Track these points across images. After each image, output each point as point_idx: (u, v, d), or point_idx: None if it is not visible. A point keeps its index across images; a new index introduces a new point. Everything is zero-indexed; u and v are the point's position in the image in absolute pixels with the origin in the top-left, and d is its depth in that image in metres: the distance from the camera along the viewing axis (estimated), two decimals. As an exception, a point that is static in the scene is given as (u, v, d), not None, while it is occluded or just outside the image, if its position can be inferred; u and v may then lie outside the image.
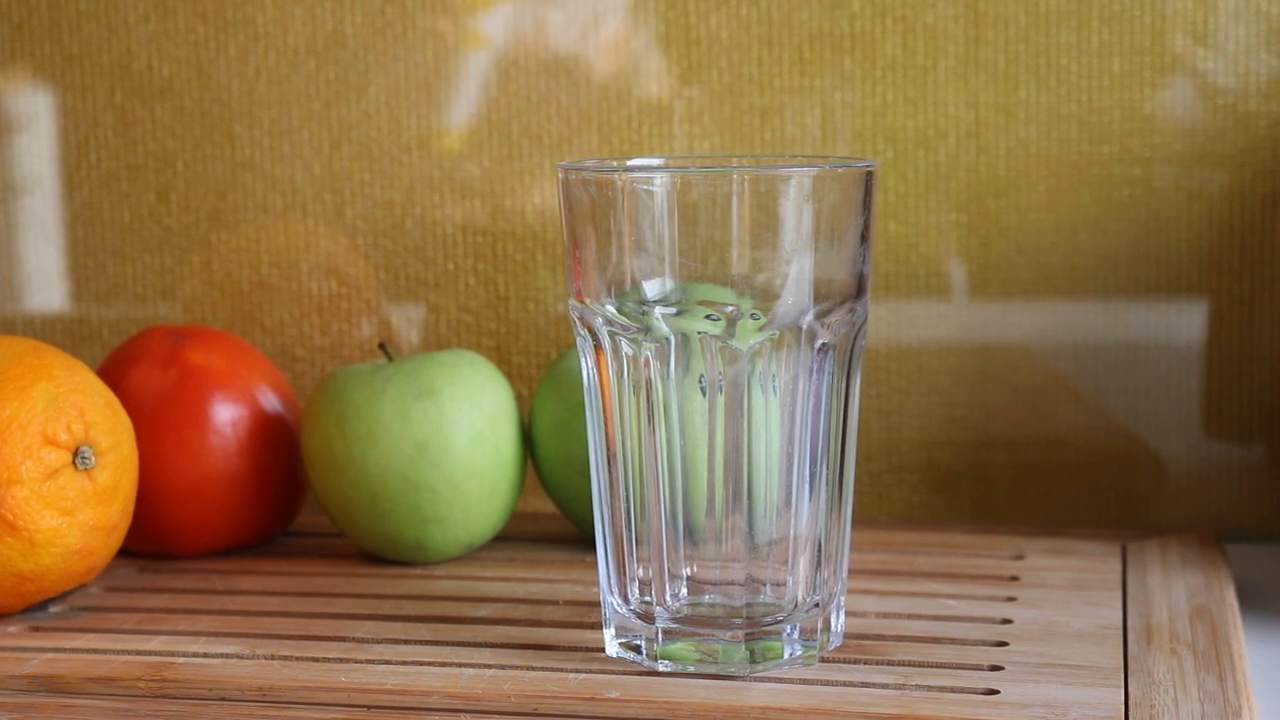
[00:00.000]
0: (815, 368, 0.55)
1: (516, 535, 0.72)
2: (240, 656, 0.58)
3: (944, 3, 0.76)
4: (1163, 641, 0.58)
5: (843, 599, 0.57)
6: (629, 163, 0.61)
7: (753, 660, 0.55)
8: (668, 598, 0.56)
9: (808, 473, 0.55)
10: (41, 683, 0.56)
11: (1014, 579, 0.65)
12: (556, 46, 0.79)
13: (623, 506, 0.56)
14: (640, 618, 0.56)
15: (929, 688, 0.54)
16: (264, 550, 0.72)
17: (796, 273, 0.54)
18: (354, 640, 0.59)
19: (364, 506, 0.67)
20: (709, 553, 0.56)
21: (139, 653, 0.58)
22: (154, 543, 0.70)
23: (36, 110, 0.83)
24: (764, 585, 0.56)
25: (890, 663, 0.56)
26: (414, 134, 0.80)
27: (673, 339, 0.54)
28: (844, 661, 0.56)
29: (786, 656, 0.56)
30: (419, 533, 0.67)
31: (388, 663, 0.57)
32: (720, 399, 0.54)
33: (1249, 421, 0.76)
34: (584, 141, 0.79)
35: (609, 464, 0.57)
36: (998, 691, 0.53)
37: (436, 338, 0.81)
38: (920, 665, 0.56)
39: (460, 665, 0.56)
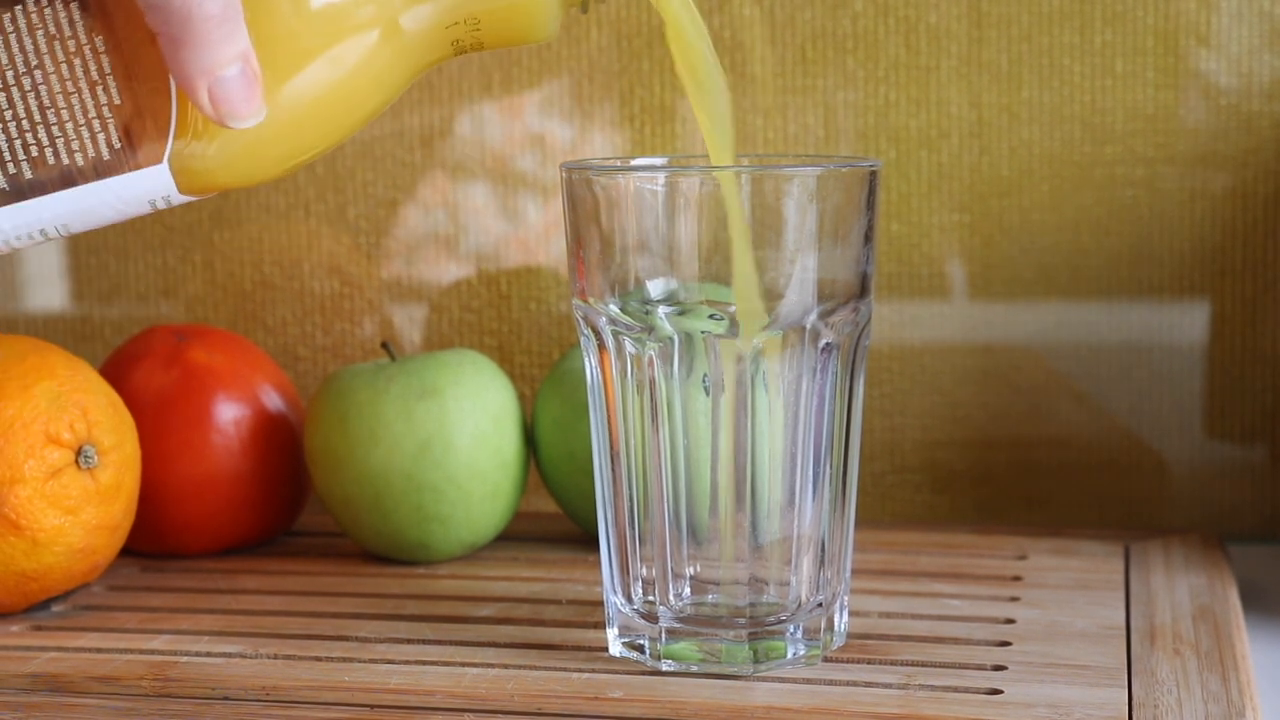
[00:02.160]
0: (819, 367, 0.55)
1: (519, 535, 0.72)
2: (243, 656, 0.58)
3: (947, 3, 0.76)
4: (1166, 642, 0.58)
5: (846, 599, 0.57)
6: (632, 162, 0.61)
7: (756, 660, 0.55)
8: (671, 597, 0.56)
9: (811, 472, 0.55)
10: (44, 682, 0.56)
11: (1017, 579, 0.65)
12: (559, 46, 0.78)
13: (626, 506, 0.56)
14: (643, 617, 0.56)
15: (932, 687, 0.54)
16: (267, 550, 0.72)
17: (800, 272, 0.54)
18: (357, 640, 0.59)
19: (367, 506, 0.67)
20: (712, 552, 0.56)
21: (142, 652, 0.58)
22: (157, 542, 0.70)
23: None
24: (767, 585, 0.56)
25: (893, 662, 0.56)
26: (416, 133, 0.80)
27: (676, 338, 0.54)
28: (847, 661, 0.56)
29: (790, 656, 0.56)
30: (422, 532, 0.67)
31: (391, 662, 0.57)
32: (724, 398, 0.54)
33: (1252, 422, 0.76)
34: (587, 141, 0.79)
35: (612, 463, 0.57)
36: (1001, 691, 0.53)
37: (439, 337, 0.81)
38: (923, 665, 0.56)
39: (463, 665, 0.56)
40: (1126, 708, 0.52)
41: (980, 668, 0.55)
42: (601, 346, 0.56)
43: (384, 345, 0.71)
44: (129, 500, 0.64)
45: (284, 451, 0.71)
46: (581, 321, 0.57)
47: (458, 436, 0.67)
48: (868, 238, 0.55)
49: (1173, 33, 0.75)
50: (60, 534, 0.62)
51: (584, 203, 0.55)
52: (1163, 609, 0.61)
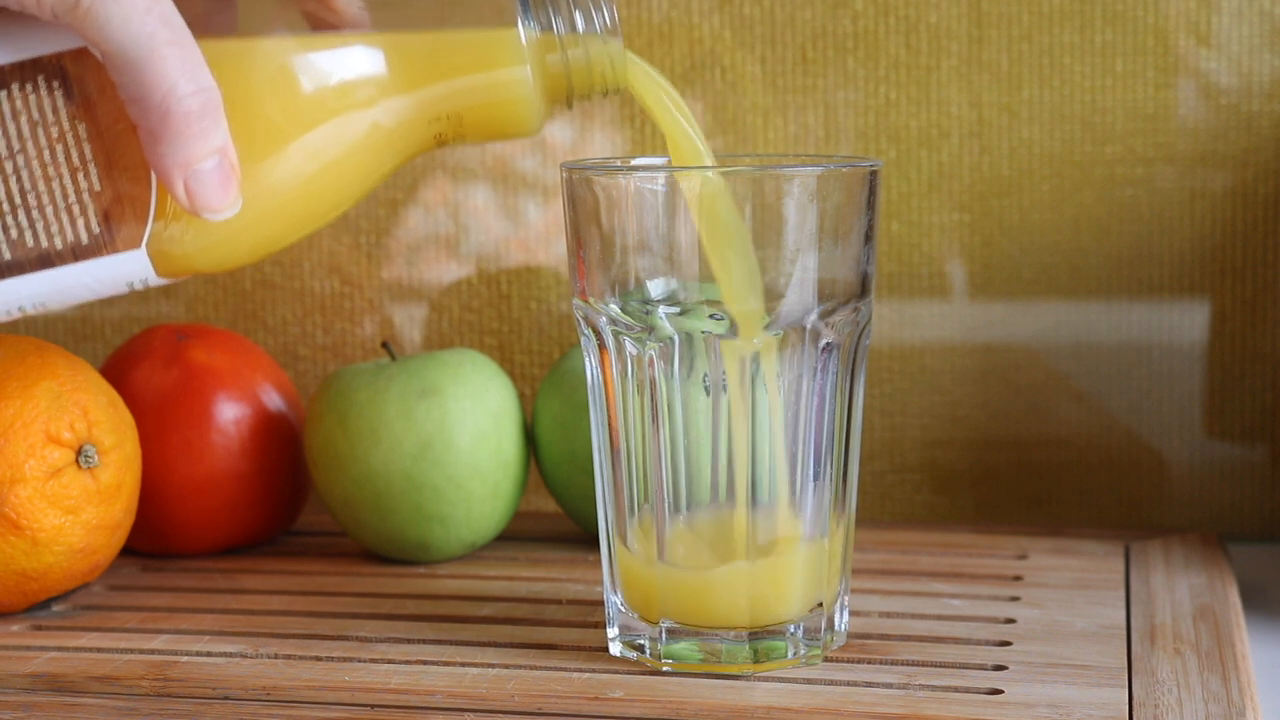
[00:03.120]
0: (819, 367, 0.55)
1: (519, 534, 0.72)
2: (243, 655, 0.58)
3: (947, 2, 0.76)
4: (1166, 641, 0.58)
5: (846, 598, 0.57)
6: (633, 162, 0.61)
7: (756, 660, 0.55)
8: (671, 597, 0.56)
9: (811, 472, 0.55)
10: (44, 681, 0.56)
11: (1017, 579, 0.65)
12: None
13: (626, 505, 0.56)
14: (643, 617, 0.56)
15: (933, 687, 0.54)
16: (267, 549, 0.72)
17: (800, 272, 0.54)
18: (357, 639, 0.59)
19: (367, 505, 0.67)
20: (713, 552, 0.56)
21: (142, 651, 0.59)
22: (157, 541, 0.70)
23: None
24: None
25: (894, 662, 0.56)
26: (417, 133, 0.80)
27: (676, 338, 0.54)
28: (848, 661, 0.56)
29: (790, 656, 0.56)
30: (422, 532, 0.67)
31: (391, 662, 0.57)
32: (724, 398, 0.54)
33: (1252, 421, 0.76)
34: (587, 141, 0.79)
35: (612, 463, 0.57)
36: (1001, 691, 0.53)
37: (439, 337, 0.81)
38: (924, 665, 0.56)
39: (464, 665, 0.56)
40: (1127, 707, 0.52)
41: (980, 667, 0.55)
42: (602, 346, 0.56)
43: (384, 345, 0.71)
44: (129, 500, 0.64)
45: (284, 451, 0.71)
46: (582, 321, 0.57)
47: (458, 436, 0.67)
48: (868, 238, 0.55)
49: (1173, 32, 0.75)
50: (60, 534, 0.62)
51: (584, 203, 0.55)
52: (1163, 609, 0.61)
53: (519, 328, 0.80)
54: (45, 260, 0.51)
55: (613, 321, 0.55)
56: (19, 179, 0.50)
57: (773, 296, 0.54)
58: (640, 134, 0.78)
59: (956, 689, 0.54)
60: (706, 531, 0.55)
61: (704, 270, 0.53)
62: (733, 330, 0.54)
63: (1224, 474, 0.77)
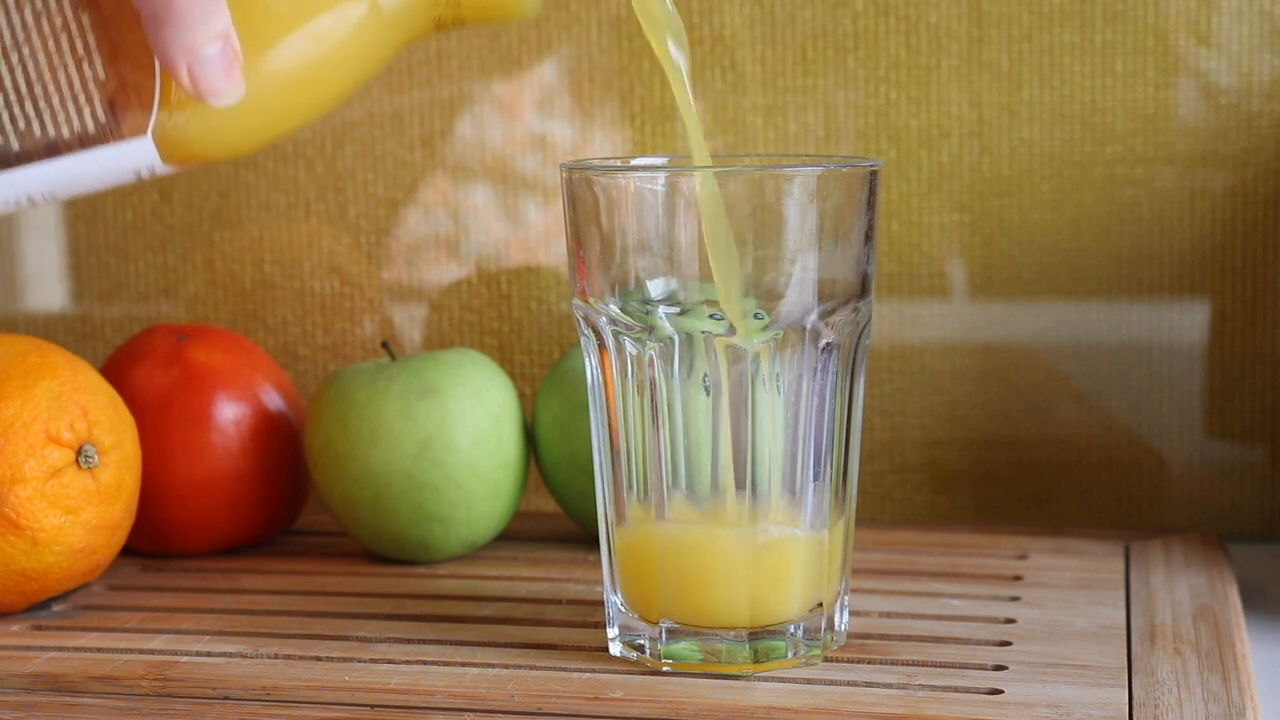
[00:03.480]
0: (819, 367, 0.55)
1: (519, 534, 0.72)
2: (243, 655, 0.58)
3: (947, 2, 0.76)
4: (1166, 641, 0.58)
5: (846, 599, 0.57)
6: (633, 162, 0.61)
7: (756, 660, 0.55)
8: (671, 597, 0.56)
9: (811, 472, 0.55)
10: (44, 681, 0.57)
11: (1017, 579, 0.65)
12: (559, 46, 0.79)
13: (626, 505, 0.56)
14: (643, 617, 0.56)
15: (933, 687, 0.54)
16: (267, 549, 0.72)
17: (800, 272, 0.54)
18: (357, 639, 0.59)
19: (367, 505, 0.67)
20: (713, 552, 0.56)
21: (142, 651, 0.59)
22: (157, 541, 0.70)
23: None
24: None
25: (894, 662, 0.56)
26: (416, 133, 0.80)
27: (676, 338, 0.54)
28: (847, 661, 0.56)
29: (790, 656, 0.56)
30: (422, 532, 0.67)
31: (391, 662, 0.57)
32: (724, 399, 0.54)
33: (1252, 421, 0.76)
34: (588, 141, 0.79)
35: (612, 463, 0.57)
36: (1001, 691, 0.53)
37: (439, 337, 0.81)
38: (924, 665, 0.56)
39: (464, 665, 0.57)
40: (1127, 707, 0.52)
41: (980, 667, 0.55)
42: (602, 346, 0.56)
43: (384, 345, 0.71)
44: (129, 500, 0.64)
45: (284, 451, 0.71)
46: (582, 321, 0.57)
47: (458, 436, 0.67)
48: (868, 237, 0.55)
49: (1173, 32, 0.75)
50: (60, 534, 0.62)
51: (584, 203, 0.55)
52: (1163, 609, 0.61)
53: (519, 328, 0.80)
54: (53, 149, 0.52)
55: (613, 321, 0.55)
56: (25, 69, 0.51)
57: (773, 296, 0.54)
58: (640, 134, 0.78)
59: (956, 689, 0.54)
60: (707, 504, 0.55)
61: (704, 270, 0.53)
62: (733, 330, 0.54)
63: (1224, 474, 0.77)
